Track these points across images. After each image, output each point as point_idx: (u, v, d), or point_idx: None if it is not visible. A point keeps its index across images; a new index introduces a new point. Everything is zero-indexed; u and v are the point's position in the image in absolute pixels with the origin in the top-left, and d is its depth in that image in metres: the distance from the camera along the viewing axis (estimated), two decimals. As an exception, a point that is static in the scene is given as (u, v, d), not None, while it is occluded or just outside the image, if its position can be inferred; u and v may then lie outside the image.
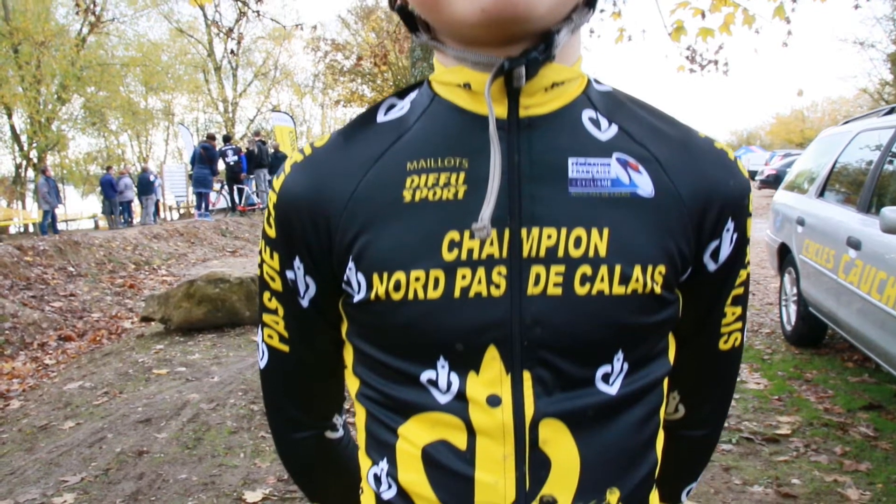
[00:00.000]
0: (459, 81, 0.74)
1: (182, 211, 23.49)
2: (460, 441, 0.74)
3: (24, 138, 27.03)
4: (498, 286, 0.71)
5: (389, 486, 0.79)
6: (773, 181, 20.54)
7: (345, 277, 0.77)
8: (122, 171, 20.76)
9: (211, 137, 16.94)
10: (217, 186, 17.86)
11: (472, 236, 0.71)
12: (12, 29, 23.23)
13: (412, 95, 0.80)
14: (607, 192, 0.73)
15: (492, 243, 0.71)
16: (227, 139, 18.21)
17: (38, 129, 25.39)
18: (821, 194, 5.37)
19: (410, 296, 0.72)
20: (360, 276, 0.74)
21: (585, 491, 0.74)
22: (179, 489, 3.39)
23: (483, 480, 0.73)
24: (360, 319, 0.78)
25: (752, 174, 27.62)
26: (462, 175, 0.72)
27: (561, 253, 0.71)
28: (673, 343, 0.83)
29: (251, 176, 17.47)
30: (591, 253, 0.71)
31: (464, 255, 0.71)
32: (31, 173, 26.53)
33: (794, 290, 5.59)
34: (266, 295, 0.84)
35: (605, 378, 0.74)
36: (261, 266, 0.83)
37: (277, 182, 0.79)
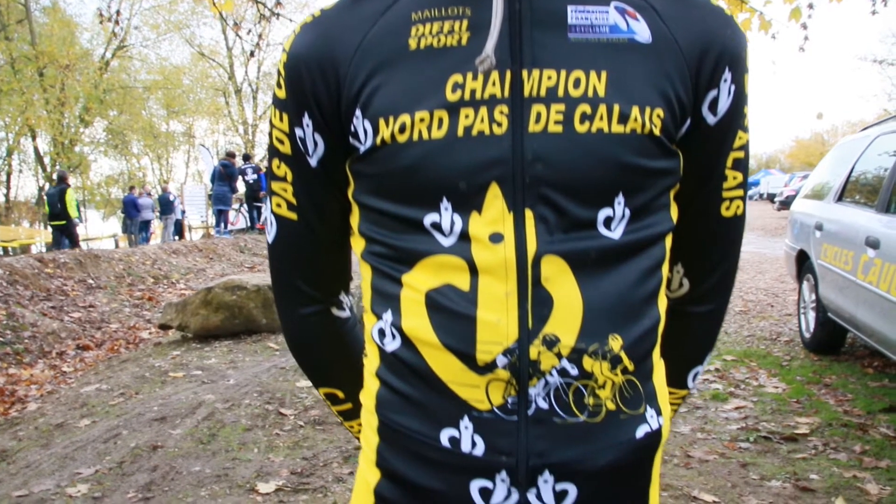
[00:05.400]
0: None
1: (200, 231, 23.68)
2: (463, 282, 0.75)
3: (47, 160, 27.49)
4: (500, 124, 0.73)
5: (394, 337, 0.80)
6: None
7: (352, 128, 0.79)
8: (139, 192, 20.95)
9: (231, 155, 17.13)
10: (236, 205, 18.00)
11: (474, 76, 0.73)
12: (38, 53, 23.76)
13: None
14: (605, 38, 0.75)
15: (494, 84, 0.73)
16: (246, 158, 18.39)
17: (62, 150, 25.82)
18: (839, 199, 5.33)
19: (415, 136, 0.74)
20: (367, 124, 0.76)
21: (588, 333, 0.75)
22: (193, 480, 3.39)
23: (485, 319, 0.74)
24: (367, 172, 0.79)
25: (772, 196, 27.41)
26: (465, 22, 0.75)
27: (561, 92, 0.73)
28: (675, 206, 0.84)
29: (270, 195, 17.55)
30: (591, 93, 0.73)
31: (467, 96, 0.73)
32: (53, 194, 26.87)
33: (813, 297, 5.54)
34: (275, 162, 0.86)
35: (607, 222, 0.75)
36: (271, 134, 0.85)
37: (288, 42, 0.82)
